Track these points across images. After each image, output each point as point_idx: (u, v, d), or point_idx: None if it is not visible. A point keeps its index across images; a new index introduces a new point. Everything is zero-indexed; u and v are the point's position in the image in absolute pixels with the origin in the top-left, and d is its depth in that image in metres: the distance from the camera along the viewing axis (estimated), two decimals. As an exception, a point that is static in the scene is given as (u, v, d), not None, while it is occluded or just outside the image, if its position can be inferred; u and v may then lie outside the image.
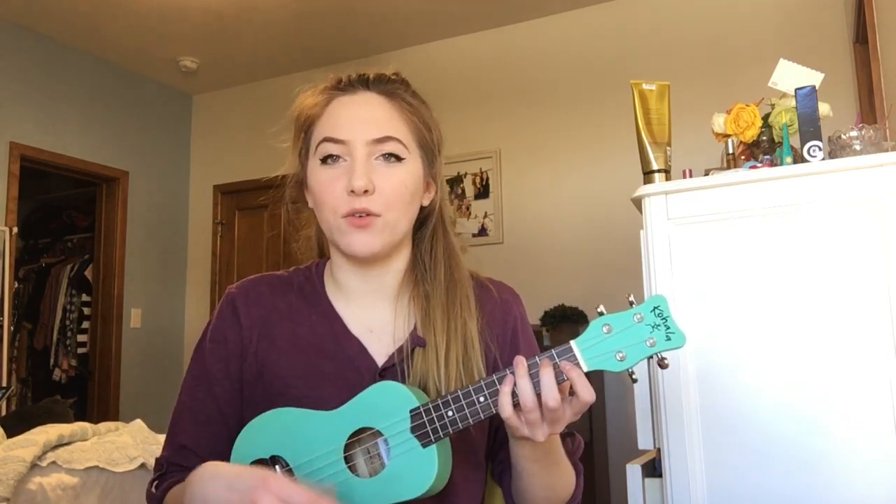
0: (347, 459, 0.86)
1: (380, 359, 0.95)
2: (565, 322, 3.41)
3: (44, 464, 1.98)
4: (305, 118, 0.96)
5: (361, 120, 0.92)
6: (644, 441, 1.64)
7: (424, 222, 1.00)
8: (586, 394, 0.78)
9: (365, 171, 0.89)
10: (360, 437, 0.86)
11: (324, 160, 0.92)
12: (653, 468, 1.67)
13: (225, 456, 0.92)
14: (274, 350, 0.95)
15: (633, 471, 1.63)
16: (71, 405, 2.99)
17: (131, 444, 2.15)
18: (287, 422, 0.89)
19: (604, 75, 3.75)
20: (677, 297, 1.59)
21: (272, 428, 0.90)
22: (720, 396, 1.54)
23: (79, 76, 4.29)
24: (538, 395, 0.78)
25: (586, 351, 0.80)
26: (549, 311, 3.47)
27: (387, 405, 0.85)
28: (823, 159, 1.54)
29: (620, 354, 0.79)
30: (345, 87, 0.95)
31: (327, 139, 0.91)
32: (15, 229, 3.82)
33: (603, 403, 3.52)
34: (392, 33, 4.13)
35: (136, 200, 4.57)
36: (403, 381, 0.92)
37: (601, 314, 0.80)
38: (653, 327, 0.78)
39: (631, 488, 1.63)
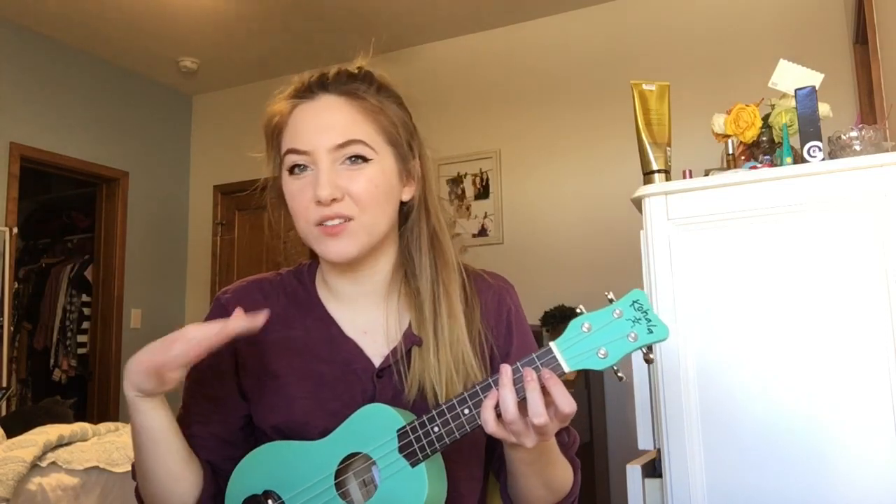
0: (339, 486, 0.85)
1: (376, 360, 0.94)
2: (565, 322, 3.32)
3: (44, 464, 1.98)
4: (273, 127, 0.96)
5: (321, 128, 0.90)
6: (644, 441, 1.64)
7: (408, 217, 0.98)
8: (566, 406, 0.76)
9: (329, 180, 0.87)
10: (350, 462, 0.86)
11: (291, 171, 0.91)
12: (653, 468, 1.66)
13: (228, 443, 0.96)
14: (272, 356, 0.95)
15: (633, 471, 1.63)
16: (71, 405, 2.99)
17: (131, 444, 2.15)
18: (278, 455, 0.89)
19: (604, 75, 3.75)
20: (677, 297, 1.59)
21: (263, 463, 0.90)
22: (720, 396, 1.54)
23: (79, 76, 4.28)
24: (522, 405, 0.77)
25: (566, 351, 0.78)
26: (549, 311, 3.47)
27: (374, 428, 0.84)
28: (823, 160, 1.54)
29: (602, 351, 0.77)
30: (304, 92, 0.93)
31: (291, 150, 0.91)
32: (15, 229, 3.82)
33: (603, 403, 3.51)
34: (392, 34, 4.13)
35: (136, 200, 4.57)
36: (400, 381, 0.91)
37: (580, 314, 0.79)
38: (633, 322, 0.77)
39: (631, 488, 1.62)
